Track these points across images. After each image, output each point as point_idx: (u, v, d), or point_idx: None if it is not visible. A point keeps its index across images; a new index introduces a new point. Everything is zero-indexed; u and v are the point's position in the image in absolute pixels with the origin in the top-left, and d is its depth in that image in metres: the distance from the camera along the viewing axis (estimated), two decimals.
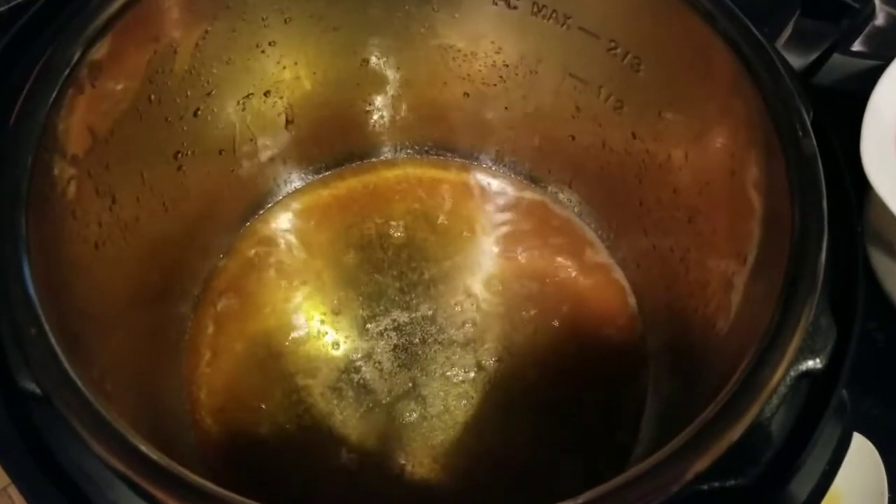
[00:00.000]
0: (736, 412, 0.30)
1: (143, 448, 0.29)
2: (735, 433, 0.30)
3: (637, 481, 0.30)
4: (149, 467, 0.29)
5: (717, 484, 0.31)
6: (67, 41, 0.38)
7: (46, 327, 0.31)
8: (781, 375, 0.31)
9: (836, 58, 0.58)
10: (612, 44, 0.47)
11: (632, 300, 0.56)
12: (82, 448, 0.30)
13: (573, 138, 0.55)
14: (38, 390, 0.31)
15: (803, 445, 0.33)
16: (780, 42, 0.52)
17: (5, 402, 0.33)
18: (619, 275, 0.57)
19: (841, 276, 0.37)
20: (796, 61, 0.59)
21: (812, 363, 0.33)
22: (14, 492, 0.88)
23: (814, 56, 0.59)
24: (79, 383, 0.30)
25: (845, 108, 0.48)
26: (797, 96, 0.38)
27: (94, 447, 0.29)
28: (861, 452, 0.51)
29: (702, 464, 0.30)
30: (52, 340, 0.31)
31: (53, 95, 0.36)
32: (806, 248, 0.34)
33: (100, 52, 0.39)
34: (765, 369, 0.31)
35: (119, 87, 0.41)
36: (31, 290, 0.32)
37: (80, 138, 0.39)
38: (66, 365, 0.31)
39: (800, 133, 0.36)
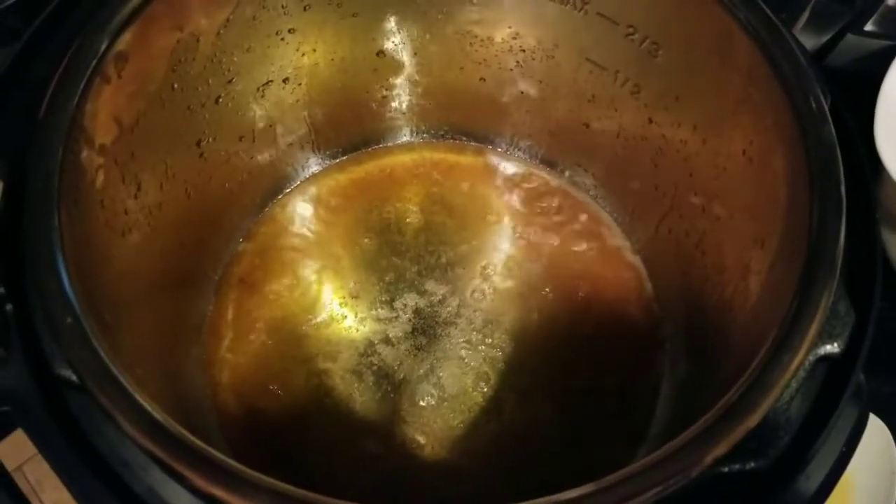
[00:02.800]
0: (756, 396, 0.31)
1: (179, 433, 0.30)
2: (755, 417, 0.31)
3: (660, 464, 0.30)
4: (186, 451, 0.30)
5: (736, 466, 0.32)
6: (94, 32, 0.38)
7: (81, 316, 0.32)
8: (801, 360, 0.32)
9: (850, 38, 0.57)
10: (631, 29, 0.47)
11: (648, 283, 0.56)
12: (118, 434, 0.31)
13: (589, 122, 0.55)
14: (74, 377, 0.32)
15: (821, 429, 0.34)
16: (798, 26, 0.52)
17: (43, 390, 0.34)
18: (635, 258, 0.57)
19: (858, 261, 0.37)
20: (810, 42, 0.59)
21: (830, 348, 0.34)
22: (28, 470, 0.89)
23: (827, 37, 0.59)
24: (114, 370, 0.31)
25: (858, 89, 0.48)
26: (815, 83, 0.38)
27: (131, 432, 0.30)
28: (872, 431, 0.51)
29: (723, 447, 0.30)
30: (87, 328, 0.32)
31: (81, 86, 0.36)
32: (824, 234, 0.34)
33: (125, 42, 0.39)
34: (784, 354, 0.32)
35: (144, 76, 0.42)
36: (66, 281, 0.32)
37: (107, 128, 0.40)
38: (101, 352, 0.31)
39: (819, 120, 0.37)
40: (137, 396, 0.31)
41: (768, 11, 0.40)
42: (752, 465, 0.32)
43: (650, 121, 0.50)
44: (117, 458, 0.33)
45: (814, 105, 0.37)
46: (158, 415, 0.31)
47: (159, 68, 0.43)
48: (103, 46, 0.38)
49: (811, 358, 0.34)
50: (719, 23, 0.42)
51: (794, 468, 0.34)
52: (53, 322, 0.32)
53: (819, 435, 0.34)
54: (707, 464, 0.30)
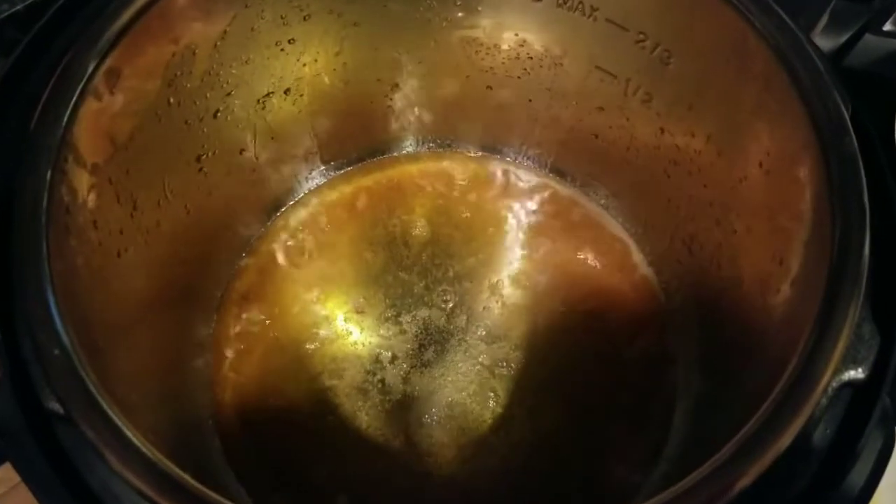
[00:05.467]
0: (778, 427, 0.30)
1: (168, 469, 0.29)
2: (778, 448, 0.29)
3: (680, 499, 0.29)
4: (173, 489, 0.29)
5: (760, 499, 0.31)
6: (83, 49, 0.37)
7: (69, 347, 0.31)
8: (824, 388, 0.30)
9: (868, 38, 0.56)
10: (641, 36, 0.46)
11: (661, 296, 0.55)
12: (107, 467, 0.30)
13: (600, 131, 0.54)
14: (62, 410, 0.31)
15: (847, 457, 0.32)
16: (818, 30, 0.50)
17: (30, 421, 0.32)
18: (647, 270, 0.56)
19: (883, 280, 0.35)
20: (827, 43, 0.57)
21: (854, 373, 0.32)
22: None
23: (845, 37, 0.57)
24: (102, 403, 0.30)
25: (877, 90, 0.47)
26: (835, 91, 0.37)
27: (119, 468, 0.29)
28: None
29: (747, 479, 0.29)
30: (76, 360, 0.31)
31: (71, 106, 0.35)
32: (847, 254, 0.32)
33: (117, 58, 0.38)
34: (807, 382, 0.30)
35: (137, 92, 0.41)
36: (54, 311, 0.31)
37: (99, 146, 0.39)
38: (90, 385, 0.31)
39: (839, 131, 0.35)
40: (127, 431, 0.30)
41: (785, 16, 0.39)
42: (776, 497, 0.31)
43: (662, 130, 0.49)
44: (108, 491, 0.32)
45: (833, 115, 0.36)
46: (148, 450, 0.30)
47: (154, 83, 0.42)
48: (93, 63, 0.37)
49: (834, 384, 0.32)
50: (734, 29, 0.40)
51: (819, 499, 0.32)
52: (41, 354, 0.31)
53: (844, 465, 0.32)
54: (733, 495, 0.29)
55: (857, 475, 0.33)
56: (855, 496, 0.33)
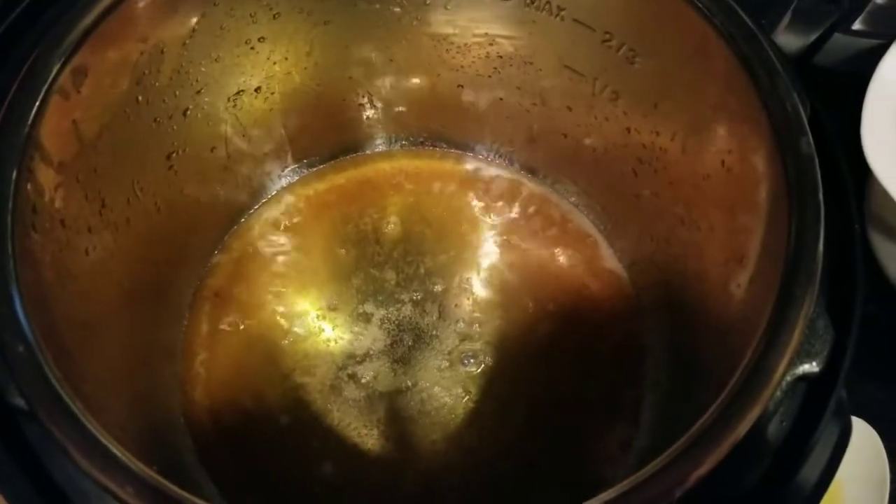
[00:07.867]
0: (733, 419, 0.30)
1: (134, 466, 0.29)
2: (733, 439, 0.30)
3: (637, 489, 0.29)
4: (138, 484, 0.29)
5: (713, 491, 0.31)
6: (50, 47, 0.37)
7: (34, 344, 0.31)
8: (778, 381, 0.31)
9: (837, 37, 0.57)
10: (607, 35, 0.46)
11: (630, 292, 0.55)
12: (72, 464, 0.30)
13: (569, 130, 0.54)
14: (26, 407, 0.31)
15: (801, 449, 0.33)
16: (780, 29, 0.51)
17: None
18: (617, 267, 0.56)
19: (838, 278, 0.36)
20: (796, 42, 0.58)
21: (808, 367, 0.33)
22: None
23: (814, 36, 0.58)
24: (67, 400, 0.30)
25: (846, 89, 0.47)
26: (794, 92, 0.37)
27: (83, 465, 0.29)
28: (862, 438, 0.50)
29: (702, 469, 0.29)
30: (41, 357, 0.31)
31: (37, 104, 0.35)
32: (802, 250, 0.33)
33: (84, 56, 0.38)
34: (761, 375, 0.31)
35: (105, 90, 0.41)
36: (19, 308, 0.31)
37: (66, 145, 0.39)
38: (54, 382, 0.31)
39: (797, 132, 0.36)
40: (91, 427, 0.30)
41: (745, 17, 0.39)
42: (730, 489, 0.31)
43: (629, 129, 0.49)
44: (74, 487, 0.32)
45: (791, 115, 0.36)
46: (113, 446, 0.30)
47: (122, 81, 0.42)
48: (60, 61, 0.37)
49: (789, 378, 0.32)
50: (695, 29, 0.40)
51: (774, 491, 0.33)
52: (5, 350, 0.31)
53: (799, 458, 0.33)
54: (686, 488, 0.29)
55: (813, 467, 0.34)
56: (811, 488, 0.34)
